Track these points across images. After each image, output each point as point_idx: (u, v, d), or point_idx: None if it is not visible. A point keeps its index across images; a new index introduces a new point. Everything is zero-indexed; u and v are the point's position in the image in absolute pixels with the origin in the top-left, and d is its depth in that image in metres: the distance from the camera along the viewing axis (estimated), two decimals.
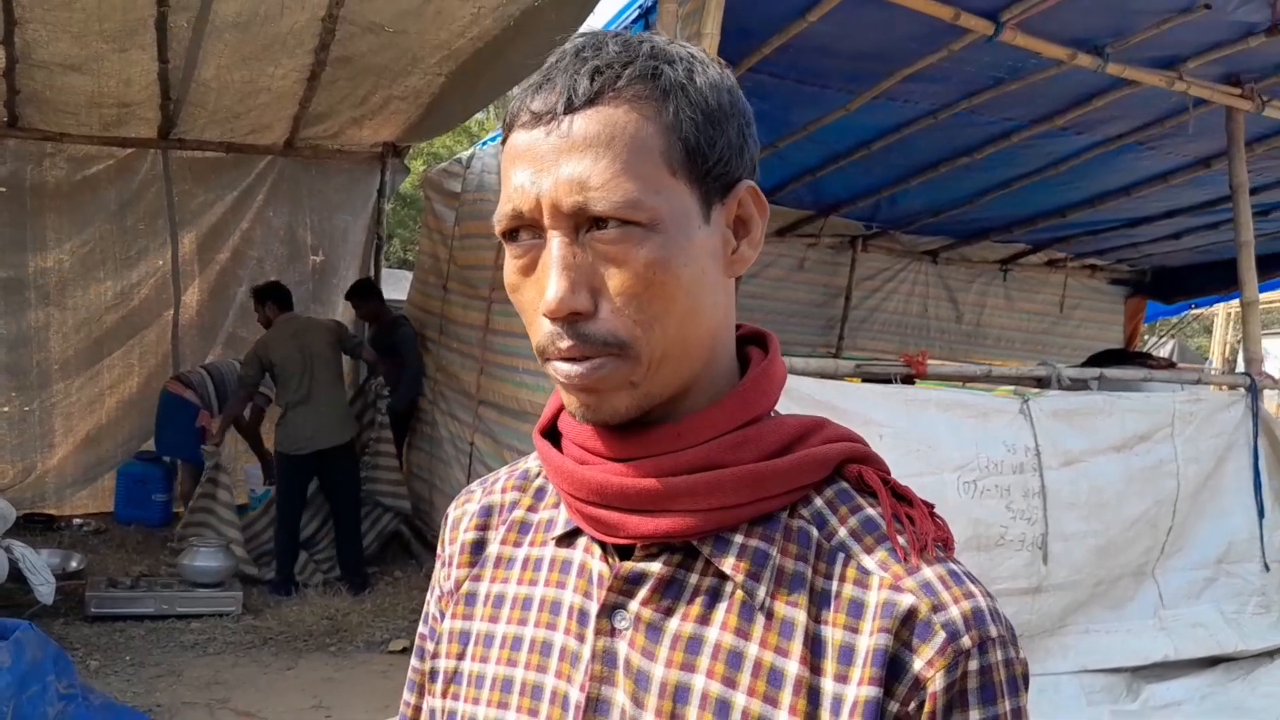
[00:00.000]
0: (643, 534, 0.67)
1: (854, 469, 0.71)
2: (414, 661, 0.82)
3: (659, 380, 0.66)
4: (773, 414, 0.73)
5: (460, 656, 0.76)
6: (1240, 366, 4.73)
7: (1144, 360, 5.54)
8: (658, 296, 0.64)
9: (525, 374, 4.51)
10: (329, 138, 6.22)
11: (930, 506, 0.71)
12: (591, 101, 0.64)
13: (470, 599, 0.77)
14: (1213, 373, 7.34)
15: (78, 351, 6.06)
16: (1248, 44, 3.74)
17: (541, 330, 0.66)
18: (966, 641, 0.63)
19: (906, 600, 0.64)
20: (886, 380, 3.48)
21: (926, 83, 4.29)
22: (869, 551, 0.67)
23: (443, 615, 0.79)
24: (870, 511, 0.69)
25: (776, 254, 7.15)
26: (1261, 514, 4.01)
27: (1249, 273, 4.42)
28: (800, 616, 0.65)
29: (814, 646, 0.65)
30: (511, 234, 0.67)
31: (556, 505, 0.76)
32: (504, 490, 0.81)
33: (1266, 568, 3.99)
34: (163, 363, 6.32)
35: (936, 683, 0.62)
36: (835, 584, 0.66)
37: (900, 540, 0.67)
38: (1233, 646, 3.74)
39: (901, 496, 0.70)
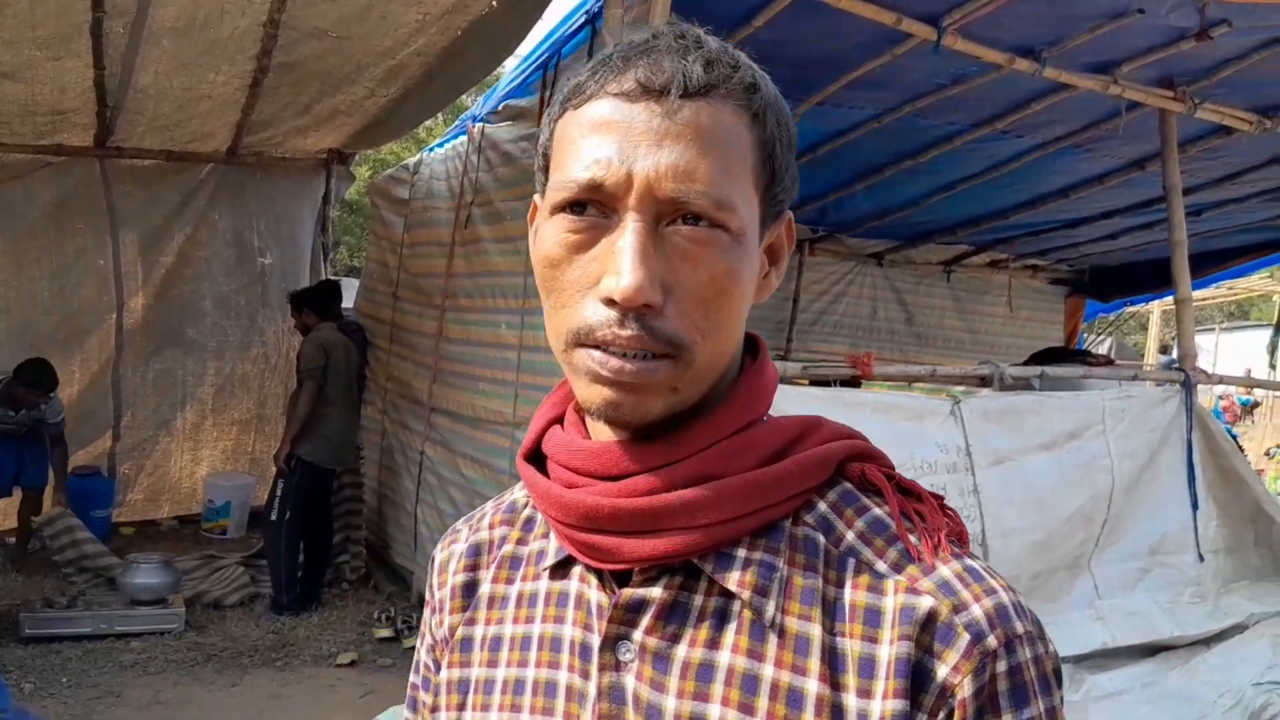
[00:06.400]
0: (640, 557, 0.63)
1: (856, 467, 0.68)
2: (406, 713, 0.79)
3: (695, 388, 0.64)
4: (766, 418, 0.70)
5: (461, 707, 0.71)
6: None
7: (1084, 358, 5.67)
8: (725, 306, 0.62)
9: (482, 381, 4.47)
10: (272, 145, 6.12)
11: (940, 499, 0.68)
12: (704, 92, 0.61)
13: (466, 644, 0.73)
14: (1148, 369, 7.53)
15: (13, 357, 5.84)
16: (1179, 48, 3.84)
17: (592, 314, 0.61)
18: (992, 641, 0.59)
19: (925, 603, 0.60)
20: (830, 383, 3.52)
21: (870, 88, 4.35)
22: (880, 554, 0.63)
23: (437, 665, 0.75)
24: (877, 511, 0.66)
25: None
26: (1195, 506, 4.11)
27: (1182, 271, 4.54)
28: (815, 630, 0.61)
29: (832, 661, 0.61)
30: (573, 205, 0.62)
31: (546, 535, 0.72)
32: (491, 526, 0.77)
33: (1201, 558, 4.10)
34: (104, 368, 6.13)
35: (965, 689, 0.59)
36: (848, 592, 0.62)
37: (912, 539, 0.63)
38: (1169, 634, 3.83)
39: (909, 491, 0.67)
